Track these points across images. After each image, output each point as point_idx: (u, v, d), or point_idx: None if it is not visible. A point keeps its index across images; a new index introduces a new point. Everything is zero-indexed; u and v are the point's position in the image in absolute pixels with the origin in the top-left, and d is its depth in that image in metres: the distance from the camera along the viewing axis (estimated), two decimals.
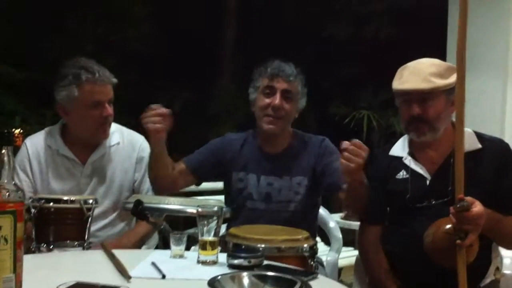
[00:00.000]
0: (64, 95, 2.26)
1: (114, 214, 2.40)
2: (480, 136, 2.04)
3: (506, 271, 2.25)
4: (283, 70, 2.31)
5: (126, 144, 2.45)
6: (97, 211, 2.13)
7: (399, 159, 2.13)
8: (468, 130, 1.80)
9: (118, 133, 2.46)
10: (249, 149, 2.41)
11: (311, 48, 9.28)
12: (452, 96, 2.00)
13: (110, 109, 2.30)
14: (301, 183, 2.33)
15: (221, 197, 2.58)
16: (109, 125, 2.36)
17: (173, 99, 8.79)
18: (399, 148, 2.16)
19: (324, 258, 2.57)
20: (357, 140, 1.92)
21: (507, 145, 2.05)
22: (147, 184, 2.41)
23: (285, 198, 2.31)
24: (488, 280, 2.02)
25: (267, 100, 2.30)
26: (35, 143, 2.39)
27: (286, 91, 2.30)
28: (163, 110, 2.16)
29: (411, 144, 2.12)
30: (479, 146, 2.01)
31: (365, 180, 2.02)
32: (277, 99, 2.28)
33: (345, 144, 1.90)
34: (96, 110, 2.27)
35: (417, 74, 1.97)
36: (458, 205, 1.70)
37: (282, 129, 2.35)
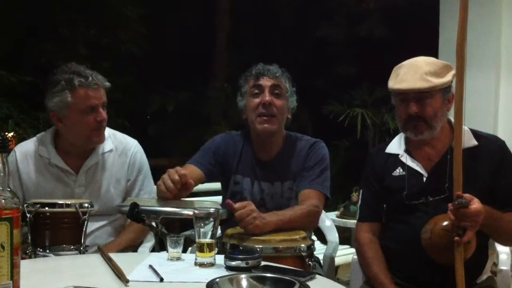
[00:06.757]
0: (57, 101, 2.22)
1: (106, 221, 2.36)
2: (475, 133, 2.05)
3: (502, 267, 2.26)
4: (269, 69, 2.31)
5: (119, 151, 2.41)
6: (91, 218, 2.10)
7: (395, 156, 2.13)
8: (464, 128, 1.80)
9: (111, 139, 2.41)
10: (246, 153, 2.39)
11: (305, 48, 9.28)
12: (448, 95, 2.01)
13: (104, 114, 2.27)
14: (292, 188, 2.32)
15: (217, 198, 2.56)
16: (104, 129, 2.33)
17: (168, 100, 8.77)
18: (395, 146, 2.16)
19: (320, 257, 2.57)
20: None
21: (502, 142, 2.06)
22: (138, 184, 2.40)
23: (278, 204, 2.28)
24: (484, 276, 2.03)
25: (257, 100, 2.28)
26: (25, 152, 2.32)
27: (274, 86, 2.28)
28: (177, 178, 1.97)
29: (407, 141, 2.13)
30: (475, 143, 2.01)
31: None
32: (266, 96, 2.26)
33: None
34: (90, 115, 2.24)
35: (414, 73, 1.96)
36: (456, 202, 1.70)
37: (277, 128, 2.31)
